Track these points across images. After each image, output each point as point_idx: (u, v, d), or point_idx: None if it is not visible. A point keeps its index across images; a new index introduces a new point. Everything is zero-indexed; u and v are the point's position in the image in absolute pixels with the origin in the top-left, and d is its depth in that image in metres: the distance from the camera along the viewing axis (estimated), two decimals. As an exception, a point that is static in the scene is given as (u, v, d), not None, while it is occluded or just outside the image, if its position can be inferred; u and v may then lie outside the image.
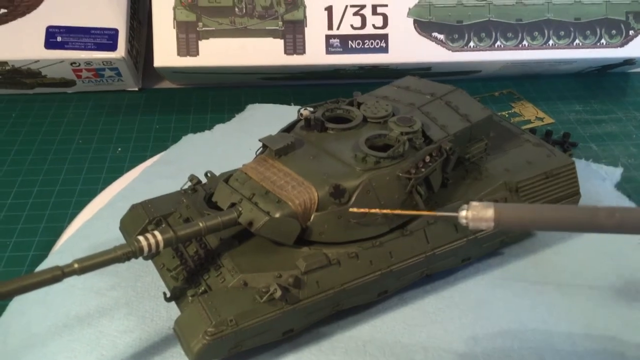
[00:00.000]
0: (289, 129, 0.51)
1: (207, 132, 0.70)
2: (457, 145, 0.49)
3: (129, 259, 0.40)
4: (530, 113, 0.82)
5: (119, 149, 0.73)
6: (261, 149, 0.49)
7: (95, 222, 0.55)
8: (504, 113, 0.82)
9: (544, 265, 0.52)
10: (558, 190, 0.51)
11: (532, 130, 0.76)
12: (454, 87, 0.54)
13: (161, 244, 0.40)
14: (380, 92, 0.55)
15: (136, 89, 0.84)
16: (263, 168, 0.46)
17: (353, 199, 0.44)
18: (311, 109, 0.52)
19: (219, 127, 0.71)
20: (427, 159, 0.47)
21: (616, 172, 0.64)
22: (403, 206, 0.46)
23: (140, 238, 0.40)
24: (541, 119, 0.80)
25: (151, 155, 0.69)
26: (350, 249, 0.44)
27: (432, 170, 0.47)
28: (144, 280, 0.49)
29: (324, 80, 0.84)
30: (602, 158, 0.73)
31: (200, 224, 0.42)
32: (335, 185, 0.44)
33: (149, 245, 0.40)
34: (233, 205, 0.44)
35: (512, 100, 0.84)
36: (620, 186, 0.64)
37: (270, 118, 0.71)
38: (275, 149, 0.47)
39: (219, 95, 0.84)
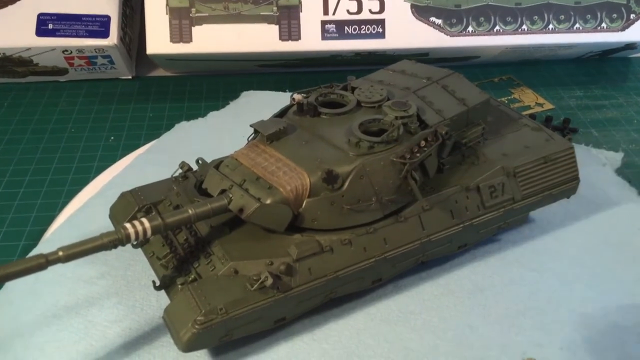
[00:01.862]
0: (281, 114, 0.50)
1: (200, 119, 0.69)
2: (453, 129, 0.48)
3: (115, 246, 0.39)
4: (530, 99, 0.80)
5: (112, 138, 0.72)
6: (253, 134, 0.48)
7: (86, 210, 0.54)
8: (503, 99, 0.80)
9: (542, 251, 0.51)
10: (557, 175, 0.50)
11: (532, 116, 0.75)
12: (451, 71, 0.53)
13: (149, 232, 0.39)
14: (375, 77, 0.54)
15: (130, 77, 0.83)
16: (254, 154, 0.45)
17: (346, 184, 0.43)
18: (304, 94, 0.50)
19: (212, 115, 0.70)
20: (423, 143, 0.46)
21: (617, 157, 0.63)
22: (398, 192, 0.45)
23: (127, 225, 0.39)
24: (541, 105, 0.79)
25: (144, 144, 0.68)
26: (344, 235, 0.43)
27: (427, 155, 0.46)
28: (134, 269, 0.48)
29: (321, 67, 0.82)
30: (603, 144, 0.72)
31: (189, 211, 0.41)
32: (327, 170, 0.43)
33: (136, 232, 0.39)
34: (223, 191, 0.43)
35: (511, 87, 0.83)
36: (621, 171, 0.63)
37: (264, 105, 0.69)
38: (267, 134, 0.46)
39: (213, 83, 0.82)
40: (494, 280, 0.48)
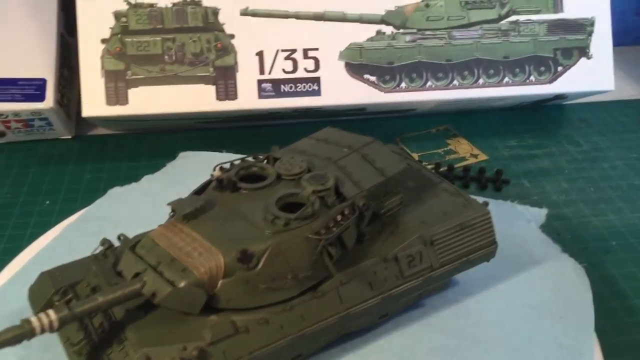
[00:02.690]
0: (201, 190, 0.50)
1: (134, 184, 0.68)
2: (371, 200, 0.49)
3: (19, 341, 0.38)
4: (465, 150, 0.82)
5: (47, 202, 0.72)
6: (172, 212, 0.48)
7: (8, 288, 0.54)
8: (439, 150, 0.82)
9: (464, 315, 0.51)
10: (474, 240, 0.51)
11: (467, 168, 0.77)
12: (372, 139, 0.54)
13: (55, 324, 0.39)
14: (299, 146, 0.55)
15: (69, 137, 0.83)
16: (171, 233, 0.45)
17: (261, 263, 0.43)
18: (226, 167, 0.51)
19: (147, 179, 0.70)
20: (339, 217, 0.46)
21: (541, 214, 0.64)
22: (314, 267, 0.45)
23: (33, 319, 0.39)
24: (475, 156, 0.81)
25: (80, 208, 0.68)
26: (260, 314, 0.44)
27: (344, 229, 0.46)
28: (54, 351, 0.47)
29: (260, 121, 0.83)
30: (534, 195, 0.74)
31: (99, 299, 0.41)
32: (242, 249, 0.43)
33: (42, 326, 0.39)
34: (137, 274, 0.43)
35: (448, 137, 0.85)
36: (548, 226, 0.64)
37: (202, 166, 0.69)
38: (183, 214, 0.46)
39: (154, 141, 0.83)
40: (415, 349, 0.49)
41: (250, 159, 0.53)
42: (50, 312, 0.39)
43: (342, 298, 0.46)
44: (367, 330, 0.50)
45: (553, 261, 0.57)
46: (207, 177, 0.51)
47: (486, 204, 0.53)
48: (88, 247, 0.52)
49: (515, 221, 0.62)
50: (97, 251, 0.50)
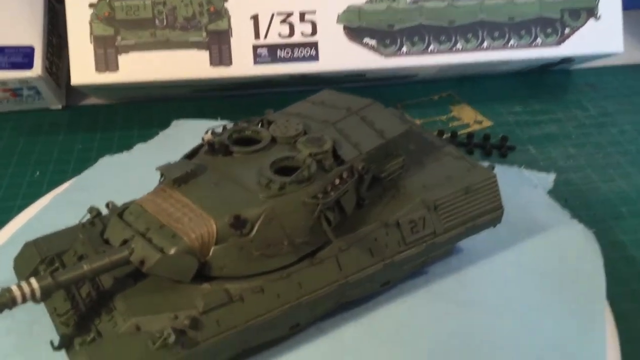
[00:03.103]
0: (192, 154, 0.48)
1: (125, 153, 0.66)
2: (371, 163, 0.47)
3: (0, 311, 0.36)
4: (469, 116, 0.80)
5: (37, 173, 0.69)
6: (161, 177, 0.46)
7: (-5, 259, 0.51)
8: (442, 117, 0.80)
9: (469, 283, 0.49)
10: (479, 205, 0.49)
11: (471, 135, 0.74)
12: (371, 101, 0.52)
13: (37, 293, 0.37)
14: (294, 109, 0.52)
15: (59, 107, 0.80)
16: (161, 199, 0.43)
17: (255, 229, 0.41)
18: (218, 131, 0.49)
19: (139, 147, 0.67)
20: (337, 181, 0.44)
21: (549, 179, 0.62)
22: (312, 234, 0.43)
23: (13, 287, 0.37)
24: (480, 122, 0.78)
25: (71, 179, 0.66)
26: (255, 282, 0.42)
27: (343, 193, 0.44)
28: (42, 323, 0.45)
29: (256, 89, 0.81)
30: (540, 161, 0.71)
31: (85, 267, 0.39)
32: (235, 215, 0.41)
33: (23, 295, 0.37)
34: (125, 242, 0.41)
35: (451, 104, 0.82)
36: (555, 191, 0.62)
37: (195, 135, 0.67)
38: (173, 178, 0.43)
39: (146, 110, 0.80)
40: (418, 317, 0.47)
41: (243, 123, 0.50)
42: (32, 280, 0.37)
43: (342, 265, 0.44)
44: (368, 299, 0.48)
45: (561, 227, 0.55)
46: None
47: (492, 167, 0.50)
48: (77, 217, 0.50)
49: (522, 186, 0.60)
50: (85, 219, 0.47)
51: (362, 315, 0.47)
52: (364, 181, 0.46)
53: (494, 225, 0.51)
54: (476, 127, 0.78)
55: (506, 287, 0.49)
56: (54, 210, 0.57)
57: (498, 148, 0.73)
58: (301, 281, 0.43)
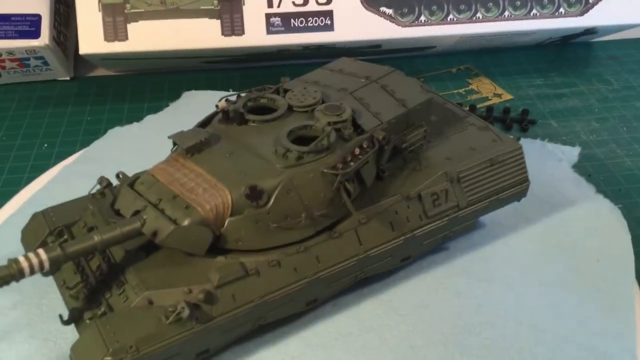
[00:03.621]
0: (205, 122, 0.46)
1: (135, 124, 0.64)
2: (392, 133, 0.45)
3: (7, 283, 0.35)
4: (488, 90, 0.77)
5: (45, 145, 0.68)
6: (174, 147, 0.44)
7: (3, 231, 0.50)
8: (461, 90, 0.77)
9: (492, 259, 0.48)
10: (504, 178, 0.47)
11: (490, 108, 0.72)
12: (391, 69, 0.50)
13: (46, 264, 0.36)
14: (311, 77, 0.50)
15: (67, 78, 0.78)
16: (173, 169, 0.41)
17: (272, 200, 0.39)
18: (232, 99, 0.47)
19: (149, 119, 0.66)
20: (357, 151, 0.42)
21: (574, 152, 0.60)
22: (331, 206, 0.41)
23: (21, 259, 0.35)
24: (499, 96, 0.76)
25: (79, 150, 0.64)
26: (271, 256, 0.40)
27: (363, 164, 0.42)
28: (51, 297, 0.44)
29: (269, 61, 0.78)
30: (562, 135, 0.69)
31: (95, 238, 0.37)
32: (251, 186, 0.39)
33: (31, 266, 0.35)
34: (137, 212, 0.39)
35: (469, 77, 0.80)
36: (579, 166, 0.60)
37: (206, 106, 0.65)
38: (186, 147, 0.42)
39: (157, 82, 0.78)
40: (439, 293, 0.45)
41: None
42: (41, 251, 0.36)
43: (361, 239, 0.42)
44: (388, 275, 0.46)
45: (587, 202, 0.53)
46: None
47: (517, 138, 0.48)
48: (86, 188, 0.48)
49: (546, 160, 0.57)
50: (95, 190, 0.46)
51: (381, 291, 0.45)
52: (385, 152, 0.44)
53: (519, 200, 0.49)
54: (495, 100, 0.75)
55: (530, 263, 0.47)
56: (62, 182, 0.56)
57: (518, 122, 0.70)
58: (319, 255, 0.41)
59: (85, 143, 0.66)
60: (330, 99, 0.46)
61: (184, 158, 0.42)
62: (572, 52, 0.85)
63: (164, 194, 0.40)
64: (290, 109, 0.46)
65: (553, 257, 0.48)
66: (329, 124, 0.43)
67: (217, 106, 0.45)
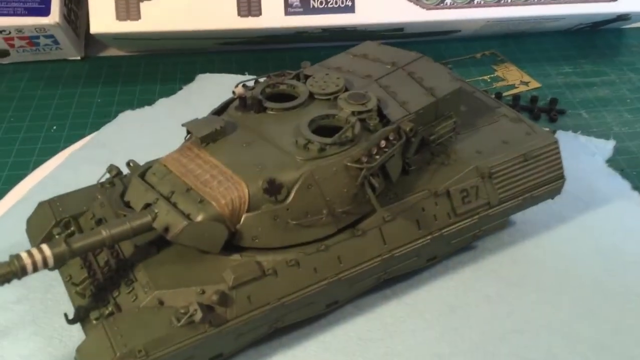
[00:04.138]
0: (221, 110, 0.43)
1: (147, 107, 0.62)
2: (420, 124, 0.42)
3: (8, 280, 0.33)
4: (514, 77, 0.74)
5: (54, 127, 0.65)
6: (187, 135, 0.41)
7: (8, 219, 0.48)
8: (485, 77, 0.74)
9: (522, 261, 0.45)
10: (539, 174, 0.44)
11: (517, 97, 0.69)
12: (419, 55, 0.47)
13: (50, 261, 0.33)
14: (333, 62, 0.47)
15: (78, 57, 0.76)
16: (187, 159, 0.39)
17: (292, 195, 0.37)
18: (250, 85, 0.44)
19: (162, 102, 0.63)
20: (383, 143, 0.39)
21: (608, 146, 0.57)
22: (354, 202, 0.39)
23: (23, 255, 0.33)
24: (526, 84, 0.73)
25: (90, 134, 0.62)
26: (290, 255, 0.37)
27: (388, 157, 0.40)
28: (56, 292, 0.42)
29: (287, 44, 0.75)
30: (593, 127, 0.66)
31: (103, 233, 0.35)
32: (269, 179, 0.36)
33: (34, 263, 0.33)
34: (148, 206, 0.37)
35: (494, 63, 0.76)
36: (613, 161, 0.57)
37: (220, 90, 0.63)
38: (201, 136, 0.39)
39: (170, 63, 0.76)
40: (467, 297, 0.42)
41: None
42: (44, 247, 0.33)
43: (385, 238, 0.40)
44: (413, 275, 0.44)
45: (623, 200, 0.50)
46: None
47: (553, 131, 0.45)
48: (95, 175, 0.46)
49: (579, 154, 0.55)
50: (104, 179, 0.43)
51: (405, 292, 0.43)
52: (412, 144, 0.42)
53: (553, 197, 0.46)
54: (522, 88, 0.72)
55: (564, 265, 0.45)
56: (70, 168, 0.54)
57: (547, 112, 0.67)
58: (341, 255, 0.39)
59: (96, 126, 0.64)
60: (354, 87, 0.44)
61: (198, 148, 0.39)
62: (602, 39, 0.82)
63: (176, 186, 0.37)
64: (311, 96, 0.43)
65: (588, 259, 0.45)
66: (353, 113, 0.40)
67: (233, 92, 0.42)
